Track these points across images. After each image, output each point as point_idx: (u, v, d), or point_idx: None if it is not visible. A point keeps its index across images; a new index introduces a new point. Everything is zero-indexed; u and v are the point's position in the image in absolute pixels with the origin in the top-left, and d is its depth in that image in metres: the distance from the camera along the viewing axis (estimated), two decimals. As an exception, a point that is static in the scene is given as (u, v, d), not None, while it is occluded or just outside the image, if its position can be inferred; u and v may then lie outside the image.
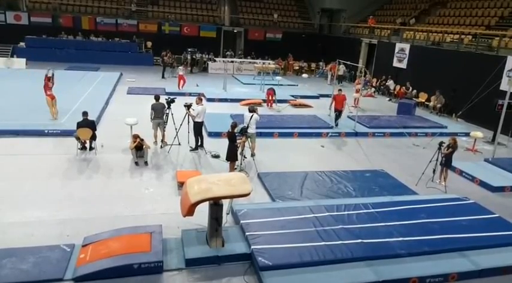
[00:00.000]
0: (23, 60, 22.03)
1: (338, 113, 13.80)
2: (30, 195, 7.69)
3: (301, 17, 31.56)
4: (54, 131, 11.13)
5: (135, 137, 9.61)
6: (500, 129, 11.88)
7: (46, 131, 11.09)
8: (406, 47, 20.57)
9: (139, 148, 9.58)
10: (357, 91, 17.46)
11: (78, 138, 9.87)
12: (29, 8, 26.57)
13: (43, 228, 6.64)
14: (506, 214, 8.00)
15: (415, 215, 7.52)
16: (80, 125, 9.82)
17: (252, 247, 6.15)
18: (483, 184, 9.72)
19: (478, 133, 12.76)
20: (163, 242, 6.15)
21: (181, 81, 18.61)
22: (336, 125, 13.72)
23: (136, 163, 9.53)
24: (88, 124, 9.91)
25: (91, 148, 10.13)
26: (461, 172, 10.37)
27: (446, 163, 9.46)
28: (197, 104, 10.64)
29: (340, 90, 14.20)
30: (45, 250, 5.80)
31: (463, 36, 18.42)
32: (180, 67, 20.14)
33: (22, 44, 24.38)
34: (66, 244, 6.01)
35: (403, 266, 6.09)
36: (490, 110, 12.67)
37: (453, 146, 9.38)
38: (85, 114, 10.01)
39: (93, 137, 9.98)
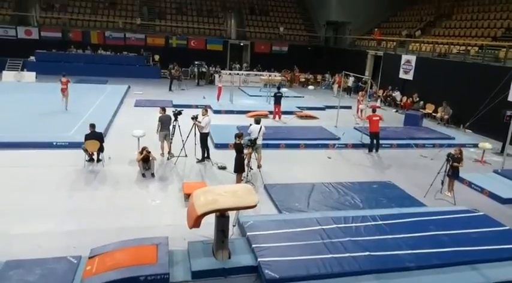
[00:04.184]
0: (33, 73, 22.38)
1: (375, 137, 12.50)
2: (38, 207, 7.73)
3: (306, 30, 31.84)
4: (62, 143, 11.24)
5: (144, 149, 9.67)
6: (509, 140, 11.74)
7: (54, 143, 11.20)
8: (412, 58, 20.60)
9: (146, 160, 9.62)
10: (360, 102, 17.46)
11: (85, 150, 9.95)
12: (39, 23, 27.15)
13: (50, 239, 6.65)
14: (517, 226, 7.86)
15: (424, 227, 7.42)
16: (87, 137, 9.91)
17: (259, 259, 6.10)
18: (493, 196, 9.58)
19: (487, 144, 12.64)
20: (169, 254, 6.12)
21: (219, 93, 19.10)
22: (376, 151, 12.58)
23: (143, 175, 9.56)
24: (96, 136, 10.00)
25: (98, 160, 10.20)
26: (470, 184, 10.25)
27: (454, 174, 9.36)
28: (203, 115, 10.72)
29: (374, 110, 12.99)
30: (52, 262, 5.79)
31: (469, 48, 18.41)
32: (217, 78, 21.58)
33: (32, 58, 24.82)
34: (72, 256, 6.00)
35: (411, 279, 6.00)
36: (498, 121, 12.56)
37: (460, 157, 9.30)
38: (93, 126, 10.11)
39: (101, 149, 10.06)
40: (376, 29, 27.29)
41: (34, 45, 25.22)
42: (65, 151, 10.92)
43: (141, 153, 9.65)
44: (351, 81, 24.20)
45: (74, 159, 10.18)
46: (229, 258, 6.21)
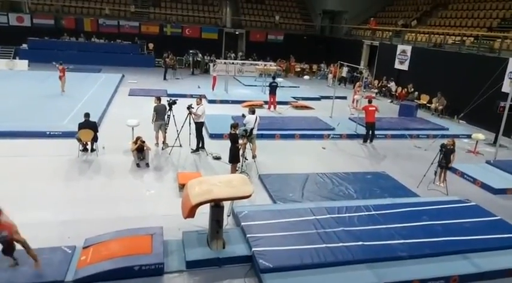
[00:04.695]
0: (25, 61, 22.08)
1: (370, 127, 12.58)
2: (32, 197, 7.71)
3: (302, 19, 31.59)
4: (56, 133, 11.15)
5: (138, 138, 9.63)
6: (502, 131, 11.84)
7: (48, 133, 11.11)
8: (408, 48, 20.57)
9: (140, 150, 9.59)
10: (356, 92, 17.46)
11: (79, 140, 9.88)
12: (31, 9, 26.68)
13: (44, 229, 6.63)
14: (508, 216, 7.97)
15: (417, 217, 7.51)
16: (81, 126, 9.84)
17: (253, 249, 6.15)
18: (485, 187, 9.69)
19: (480, 135, 12.73)
20: (164, 244, 6.15)
21: (214, 82, 19.01)
22: (371, 141, 12.63)
23: (138, 165, 9.53)
24: (89, 125, 9.94)
25: (92, 149, 10.15)
26: (462, 175, 10.35)
27: (447, 164, 9.44)
28: (197, 104, 10.69)
29: (370, 101, 12.99)
30: (47, 252, 5.79)
31: (464, 38, 18.40)
32: (212, 68, 21.78)
33: (24, 45, 24.47)
34: (67, 246, 6.01)
35: (404, 268, 6.08)
36: (492, 112, 12.64)
37: (452, 148, 9.38)
38: (87, 115, 10.03)
39: (95, 139, 10.00)
40: (372, 19, 27.15)
41: (26, 33, 24.82)
42: (58, 140, 10.83)
43: (135, 142, 9.62)
44: (344, 71, 24.13)
45: (68, 148, 10.11)
46: (224, 247, 6.25)
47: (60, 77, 16.23)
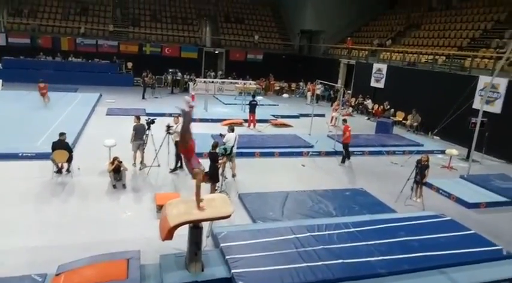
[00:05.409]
0: (-1, 81, 21.60)
1: (347, 146, 12.50)
2: (1, 222, 7.39)
3: (281, 38, 32.20)
4: (29, 154, 10.83)
5: (115, 159, 9.45)
6: (474, 147, 12.21)
7: (20, 154, 10.79)
8: (383, 67, 21.16)
9: (117, 170, 9.41)
10: (335, 110, 17.73)
11: (54, 161, 9.63)
12: (7, 28, 26.28)
13: (14, 256, 6.36)
14: (482, 230, 8.15)
15: (395, 233, 7.59)
16: (55, 146, 9.60)
17: (232, 271, 6.05)
18: (459, 201, 9.92)
19: (453, 150, 13.08)
20: (140, 269, 5.97)
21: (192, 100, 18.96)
22: (348, 158, 12.61)
23: (114, 186, 9.33)
24: (63, 146, 9.71)
25: (68, 170, 9.90)
26: (438, 190, 10.57)
27: (422, 180, 9.62)
28: (175, 123, 10.62)
29: (345, 120, 13.24)
30: (15, 280, 5.53)
31: (437, 57, 19.10)
32: (191, 86, 22.84)
33: (-2, 64, 23.99)
34: (37, 273, 5.75)
35: (383, 286, 6.10)
36: (464, 128, 13.04)
37: (426, 164, 9.60)
38: (62, 134, 9.82)
39: (70, 159, 9.77)
40: (348, 38, 27.91)
41: (1, 52, 24.38)
42: (31, 162, 10.51)
43: (112, 163, 9.43)
44: (319, 89, 24.52)
45: (41, 170, 9.81)
46: (203, 270, 6.12)
47: (43, 94, 17.15)
